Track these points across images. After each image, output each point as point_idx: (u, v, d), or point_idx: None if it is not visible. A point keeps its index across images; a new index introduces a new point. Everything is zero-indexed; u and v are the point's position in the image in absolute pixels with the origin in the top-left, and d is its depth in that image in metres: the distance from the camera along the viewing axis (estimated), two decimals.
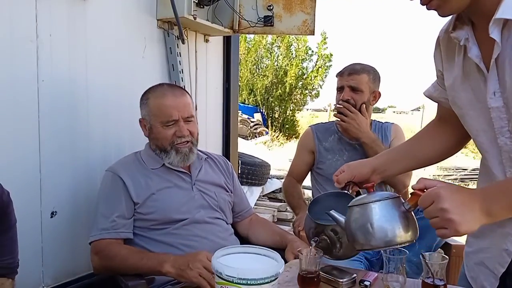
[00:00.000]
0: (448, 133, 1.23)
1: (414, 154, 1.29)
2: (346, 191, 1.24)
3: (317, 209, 1.26)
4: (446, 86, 1.12)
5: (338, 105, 1.96)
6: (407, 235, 1.00)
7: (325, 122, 2.22)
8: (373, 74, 1.99)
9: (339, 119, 1.96)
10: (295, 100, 14.41)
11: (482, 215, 0.88)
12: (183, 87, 2.02)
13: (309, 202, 1.29)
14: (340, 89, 1.99)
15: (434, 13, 0.96)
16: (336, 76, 2.04)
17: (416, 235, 1.01)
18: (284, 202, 4.12)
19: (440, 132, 1.25)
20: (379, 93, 2.03)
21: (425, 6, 0.96)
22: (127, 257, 1.38)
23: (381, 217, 1.00)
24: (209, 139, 2.60)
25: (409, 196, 1.00)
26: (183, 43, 2.20)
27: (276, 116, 14.31)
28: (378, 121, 2.15)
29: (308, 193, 3.58)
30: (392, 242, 0.99)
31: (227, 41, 2.74)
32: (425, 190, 0.94)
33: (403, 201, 1.01)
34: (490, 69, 0.95)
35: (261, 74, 14.11)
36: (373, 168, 1.26)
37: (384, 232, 0.99)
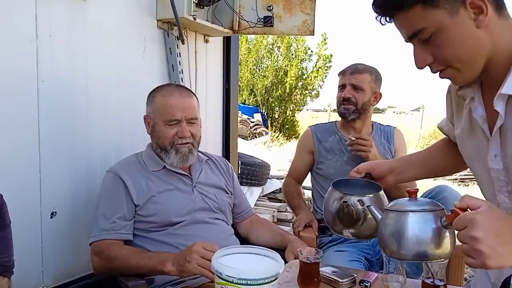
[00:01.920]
0: (459, 152, 1.24)
1: (430, 163, 1.32)
2: (364, 179, 1.25)
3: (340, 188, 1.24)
4: (455, 133, 1.14)
5: (349, 141, 1.91)
6: (438, 252, 0.92)
7: (325, 123, 2.22)
8: (375, 75, 2.00)
9: (356, 150, 1.90)
10: (295, 101, 14.40)
11: None
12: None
13: (332, 182, 1.27)
14: (341, 87, 2.01)
15: None
16: (338, 75, 2.05)
17: (450, 253, 0.93)
18: (284, 202, 4.11)
19: (452, 149, 1.26)
20: (380, 94, 2.03)
21: (438, 74, 0.96)
22: (129, 257, 1.38)
23: (414, 229, 0.93)
24: (209, 139, 2.60)
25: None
26: (183, 43, 2.20)
27: (276, 117, 14.30)
28: (379, 124, 2.15)
29: (308, 194, 3.57)
30: (421, 257, 0.93)
31: (227, 41, 2.74)
32: (467, 209, 0.86)
33: (442, 215, 0.93)
34: (493, 134, 0.96)
35: (261, 75, 14.11)
36: (391, 167, 1.28)
37: (414, 245, 0.93)
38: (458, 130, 1.11)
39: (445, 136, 1.31)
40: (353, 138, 1.90)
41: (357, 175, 1.27)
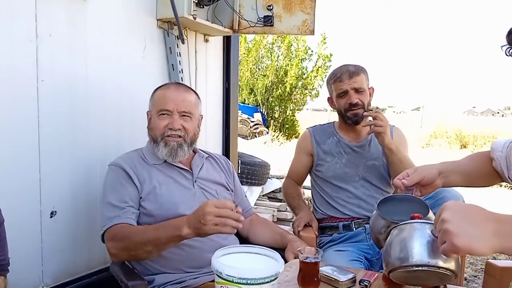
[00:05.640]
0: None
1: (470, 175, 1.34)
2: (410, 195, 1.23)
3: (386, 210, 1.21)
4: None
5: (369, 112, 1.89)
6: (423, 258, 0.89)
7: (323, 124, 2.20)
8: (365, 72, 1.98)
9: (373, 125, 1.86)
10: (295, 100, 14.41)
11: (494, 237, 0.76)
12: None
13: (377, 202, 1.25)
14: (343, 94, 1.94)
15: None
16: (334, 82, 1.96)
17: (436, 261, 0.88)
18: (284, 202, 4.11)
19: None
20: (373, 89, 2.02)
21: None
22: (144, 231, 1.37)
23: (405, 238, 0.93)
24: (209, 138, 2.60)
25: None
26: (183, 43, 2.20)
27: (276, 116, 14.31)
28: None
29: (308, 193, 3.57)
30: (406, 262, 0.90)
31: (227, 41, 2.74)
32: None
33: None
34: None
35: (261, 74, 14.12)
36: (439, 170, 1.27)
37: (399, 251, 0.92)
38: None
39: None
40: (372, 111, 1.87)
41: (407, 183, 1.22)
